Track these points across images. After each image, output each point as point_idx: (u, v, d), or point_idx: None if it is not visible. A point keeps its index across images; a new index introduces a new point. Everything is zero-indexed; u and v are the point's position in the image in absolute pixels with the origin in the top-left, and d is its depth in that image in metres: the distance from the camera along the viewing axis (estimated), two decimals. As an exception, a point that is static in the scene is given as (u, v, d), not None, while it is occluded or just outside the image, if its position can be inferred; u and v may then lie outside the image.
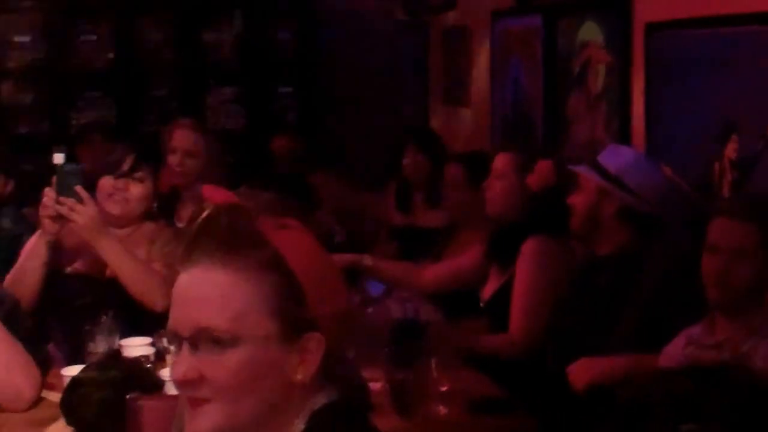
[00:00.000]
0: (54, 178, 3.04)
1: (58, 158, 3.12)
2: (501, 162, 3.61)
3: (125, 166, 3.28)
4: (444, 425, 2.75)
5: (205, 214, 1.31)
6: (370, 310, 3.30)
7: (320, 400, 1.32)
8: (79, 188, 3.02)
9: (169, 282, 3.05)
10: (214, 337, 1.25)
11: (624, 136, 3.75)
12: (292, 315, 1.28)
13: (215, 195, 1.37)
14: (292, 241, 1.33)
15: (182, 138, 4.17)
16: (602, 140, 3.93)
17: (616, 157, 3.06)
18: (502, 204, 3.56)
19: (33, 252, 3.17)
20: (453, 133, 5.84)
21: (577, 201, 3.09)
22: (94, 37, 5.88)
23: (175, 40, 6.06)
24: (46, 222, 3.08)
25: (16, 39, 5.95)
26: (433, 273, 3.85)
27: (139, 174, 3.28)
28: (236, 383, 1.25)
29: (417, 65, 6.39)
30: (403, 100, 6.39)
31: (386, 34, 6.36)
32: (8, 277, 3.21)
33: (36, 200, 4.94)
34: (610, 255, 3.08)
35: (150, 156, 3.42)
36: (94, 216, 3.05)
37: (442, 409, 2.78)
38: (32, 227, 4.12)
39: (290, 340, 1.29)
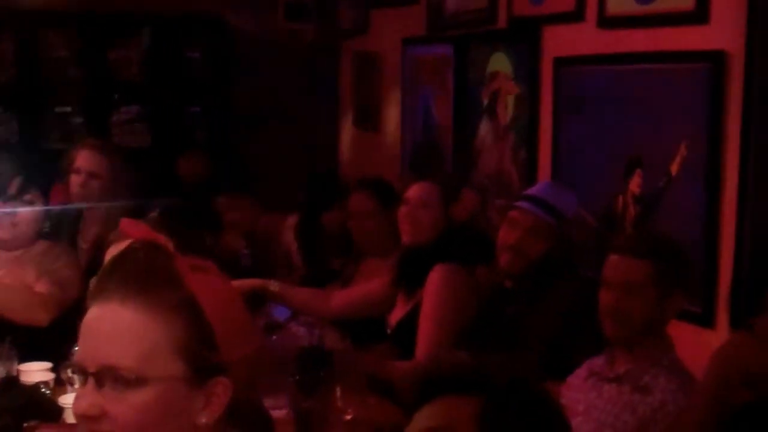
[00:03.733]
0: None
1: None
2: (422, 191, 3.61)
3: (12, 190, 3.25)
4: (348, 453, 2.77)
5: (121, 249, 1.30)
6: (274, 337, 3.29)
7: None
8: None
9: (56, 297, 3.00)
10: (119, 375, 1.24)
11: (531, 168, 3.84)
12: (201, 358, 1.28)
13: (134, 230, 1.37)
14: (207, 283, 1.33)
15: (87, 159, 4.12)
16: (509, 171, 4.02)
17: (552, 191, 3.17)
18: (426, 234, 3.55)
19: None
20: (363, 158, 5.88)
21: (510, 238, 3.15)
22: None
23: (80, 57, 5.96)
24: None
25: None
26: (341, 299, 3.85)
27: (27, 197, 3.26)
28: (138, 423, 1.25)
29: (329, 88, 6.41)
30: (315, 122, 6.40)
31: (298, 56, 6.38)
32: None
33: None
34: (519, 286, 3.16)
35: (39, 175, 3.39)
36: None
37: (347, 438, 2.79)
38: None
39: (197, 384, 1.29)
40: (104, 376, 1.25)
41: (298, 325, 3.66)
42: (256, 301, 3.77)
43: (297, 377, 2.84)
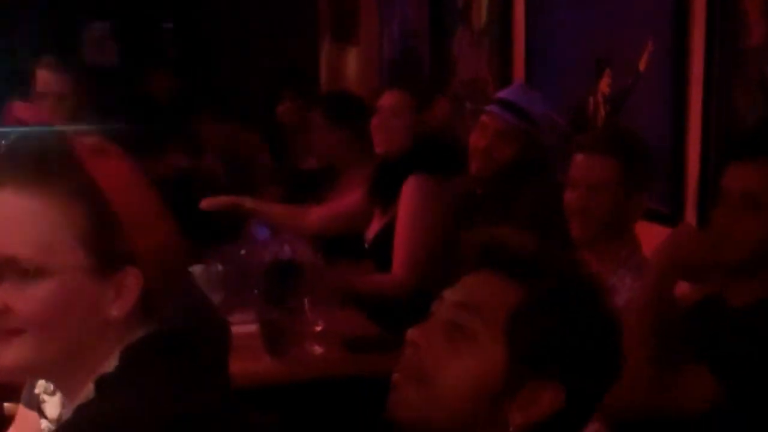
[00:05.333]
0: None
1: None
2: (393, 100, 3.60)
3: None
4: (318, 364, 2.81)
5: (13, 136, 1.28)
6: (243, 251, 3.31)
7: (136, 335, 1.30)
8: None
9: None
10: (18, 267, 1.22)
11: (505, 73, 3.82)
12: (105, 247, 1.25)
13: (28, 114, 1.35)
14: (110, 167, 1.29)
15: (50, 81, 4.07)
16: (485, 77, 4.01)
17: (522, 94, 3.15)
18: (397, 142, 3.54)
19: None
20: (342, 73, 5.84)
21: (480, 142, 3.14)
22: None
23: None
24: None
25: None
26: (317, 214, 3.86)
27: None
28: (44, 316, 1.23)
29: (307, 2, 6.34)
30: (292, 38, 6.33)
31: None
32: None
33: None
34: (489, 192, 3.17)
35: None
36: None
37: (317, 349, 2.83)
38: None
39: (104, 274, 1.25)
40: (2, 269, 1.22)
41: (272, 242, 3.68)
42: (234, 218, 3.78)
43: (264, 289, 2.87)
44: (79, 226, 1.24)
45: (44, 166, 1.25)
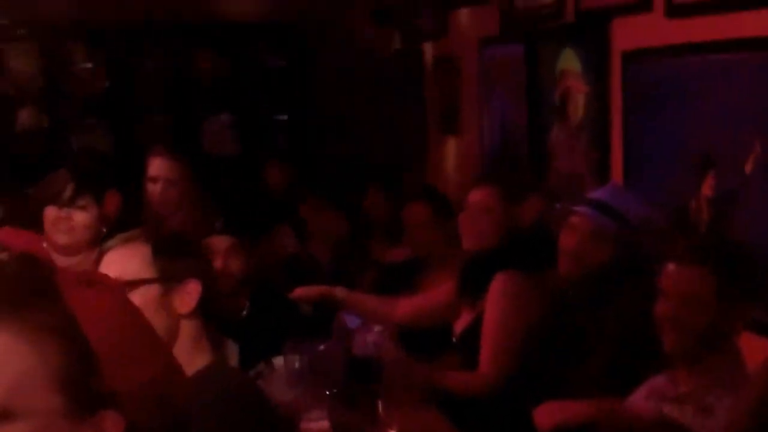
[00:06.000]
0: None
1: None
2: (483, 195, 3.34)
3: (66, 195, 3.11)
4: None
5: None
6: (321, 347, 3.05)
7: None
8: None
9: None
10: None
11: (603, 169, 3.49)
12: (82, 389, 1.02)
13: (14, 239, 1.12)
14: (96, 301, 1.09)
15: (162, 167, 3.96)
16: (582, 173, 3.68)
17: (616, 195, 2.83)
18: (486, 238, 3.28)
19: None
20: (448, 163, 5.61)
21: (569, 244, 2.81)
22: (90, 65, 5.72)
23: (169, 67, 5.88)
24: None
25: (12, 65, 5.81)
26: (407, 307, 3.61)
27: (81, 202, 3.11)
28: None
29: (414, 93, 6.15)
30: (402, 129, 6.14)
31: (382, 62, 6.13)
32: None
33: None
34: (579, 294, 2.83)
35: (95, 181, 3.24)
36: None
37: (389, 454, 2.52)
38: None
39: (80, 417, 1.02)
40: None
41: (363, 332, 3.42)
42: (327, 307, 3.57)
43: (339, 388, 2.59)
44: (54, 365, 1.01)
45: (19, 299, 1.02)
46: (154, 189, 3.94)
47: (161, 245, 1.99)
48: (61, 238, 3.14)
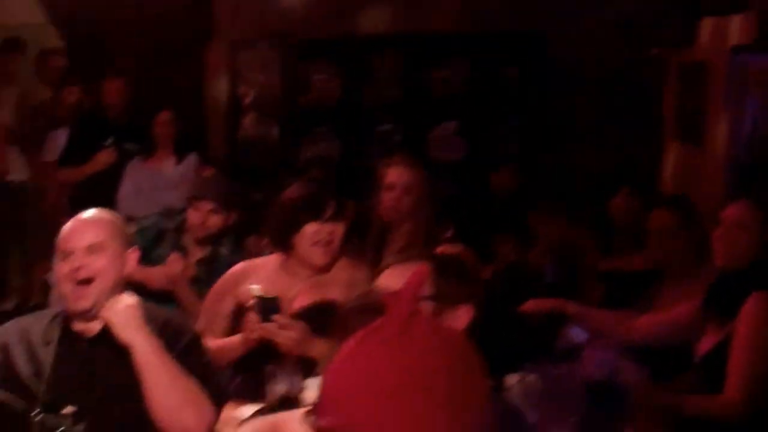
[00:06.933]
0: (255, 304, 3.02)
1: (256, 290, 3.05)
2: (739, 212, 3.14)
3: (330, 211, 3.13)
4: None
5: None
6: (561, 368, 2.90)
7: None
8: (277, 316, 2.98)
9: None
10: None
11: None
12: None
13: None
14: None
15: (401, 174, 3.97)
16: None
17: None
18: (741, 256, 3.09)
19: (233, 347, 3.17)
20: (685, 175, 5.34)
21: None
22: (324, 76, 5.84)
23: (402, 77, 5.92)
24: (251, 340, 3.06)
25: (253, 75, 6.03)
26: (644, 324, 3.42)
27: (340, 217, 3.14)
28: None
29: (649, 103, 5.90)
30: (634, 138, 5.91)
31: (617, 70, 5.92)
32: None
33: (258, 230, 4.93)
34: None
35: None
36: (298, 338, 2.96)
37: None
38: (249, 256, 4.07)
39: None
40: None
41: (594, 350, 3.26)
42: (555, 321, 3.45)
43: (585, 414, 2.46)
44: None
45: None
46: (389, 197, 3.94)
47: (441, 265, 1.98)
48: (323, 257, 3.17)
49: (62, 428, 2.41)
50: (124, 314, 2.50)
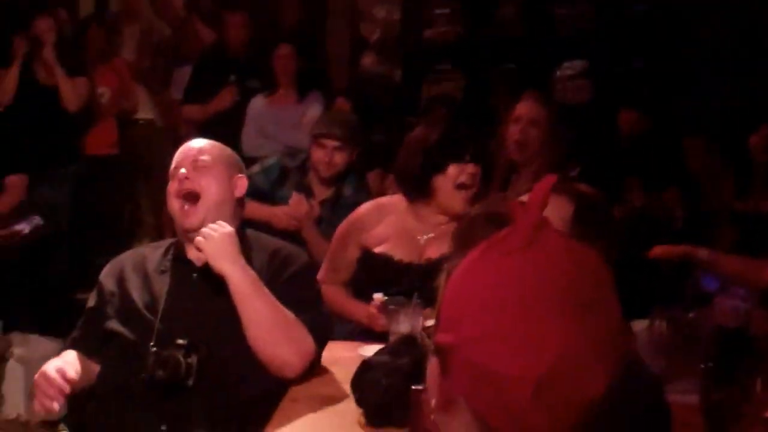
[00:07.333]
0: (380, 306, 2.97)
1: (380, 297, 3.03)
2: None
3: (469, 152, 3.10)
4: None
5: None
6: (691, 315, 2.83)
7: None
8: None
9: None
10: None
11: None
12: None
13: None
14: None
15: (528, 108, 3.92)
16: None
17: None
18: None
19: (352, 316, 3.18)
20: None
21: None
22: (447, 11, 5.74)
23: (526, 15, 5.77)
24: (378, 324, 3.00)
25: (374, 12, 5.98)
26: (781, 270, 3.29)
27: (482, 158, 3.12)
28: None
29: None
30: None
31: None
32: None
33: (381, 168, 4.93)
34: None
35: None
36: None
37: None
38: (372, 195, 4.09)
39: None
40: None
41: (725, 298, 3.17)
42: (684, 268, 3.36)
43: (709, 364, 2.40)
44: None
45: None
46: (515, 129, 3.90)
47: (582, 204, 1.92)
48: (464, 202, 3.15)
49: (175, 360, 2.40)
50: (217, 243, 2.46)
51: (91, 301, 2.65)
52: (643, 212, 4.53)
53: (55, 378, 2.34)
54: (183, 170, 2.58)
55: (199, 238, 2.48)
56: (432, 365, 1.05)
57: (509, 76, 5.56)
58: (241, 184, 2.66)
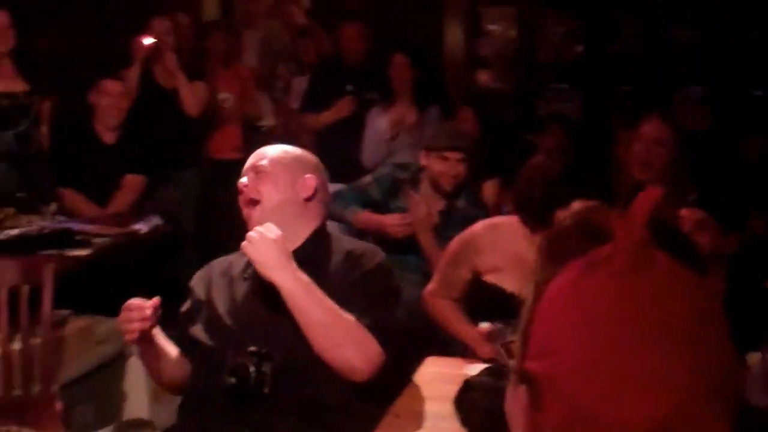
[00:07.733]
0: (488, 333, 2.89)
1: (486, 326, 2.94)
2: None
3: (592, 187, 3.07)
4: None
5: None
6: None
7: None
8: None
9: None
10: None
11: None
12: None
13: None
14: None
15: (654, 127, 3.85)
16: None
17: None
18: None
19: (460, 336, 3.20)
20: None
21: None
22: (564, 29, 5.68)
23: (645, 36, 5.68)
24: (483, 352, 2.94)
25: (491, 28, 5.97)
26: None
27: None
28: None
29: None
30: None
31: None
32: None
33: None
34: None
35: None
36: None
37: None
38: (486, 207, 4.07)
39: None
40: None
41: None
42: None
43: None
44: None
45: None
46: (640, 148, 3.84)
47: (659, 234, 1.88)
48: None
49: (244, 368, 2.36)
50: (261, 249, 2.40)
51: (184, 306, 2.68)
52: (765, 241, 4.39)
53: (137, 303, 2.39)
54: (244, 179, 2.61)
55: (244, 243, 2.43)
56: (518, 393, 0.93)
57: (627, 98, 5.47)
58: (309, 184, 2.61)
